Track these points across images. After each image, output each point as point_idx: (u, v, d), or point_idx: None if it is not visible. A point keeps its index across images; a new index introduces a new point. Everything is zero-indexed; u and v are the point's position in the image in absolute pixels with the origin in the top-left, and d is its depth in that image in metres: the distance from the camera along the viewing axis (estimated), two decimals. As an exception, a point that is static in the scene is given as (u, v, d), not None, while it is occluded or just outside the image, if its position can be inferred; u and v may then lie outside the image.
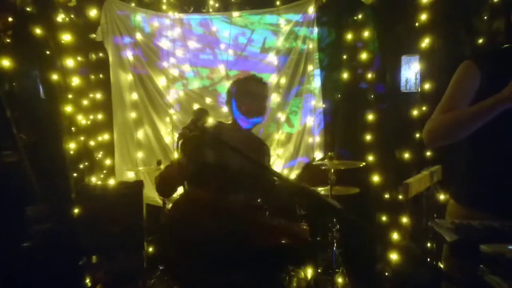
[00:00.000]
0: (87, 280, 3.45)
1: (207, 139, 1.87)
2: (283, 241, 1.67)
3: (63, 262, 3.08)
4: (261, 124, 2.52)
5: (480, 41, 3.18)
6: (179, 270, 1.76)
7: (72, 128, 3.71)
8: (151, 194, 4.06)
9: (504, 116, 1.53)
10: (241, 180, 1.86)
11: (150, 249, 3.76)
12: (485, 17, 3.16)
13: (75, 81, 3.72)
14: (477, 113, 1.57)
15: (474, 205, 1.75)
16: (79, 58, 3.80)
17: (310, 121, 4.30)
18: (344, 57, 3.98)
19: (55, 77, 3.43)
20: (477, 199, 1.74)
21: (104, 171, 4.07)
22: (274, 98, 4.29)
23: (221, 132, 2.00)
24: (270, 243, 1.62)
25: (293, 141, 4.34)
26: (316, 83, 4.28)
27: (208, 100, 4.23)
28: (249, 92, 1.98)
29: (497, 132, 1.64)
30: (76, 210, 3.28)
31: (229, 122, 2.12)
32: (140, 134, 4.20)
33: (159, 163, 3.42)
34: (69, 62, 3.63)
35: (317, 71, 4.25)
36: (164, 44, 4.15)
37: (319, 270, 3.38)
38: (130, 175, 4.11)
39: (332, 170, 3.08)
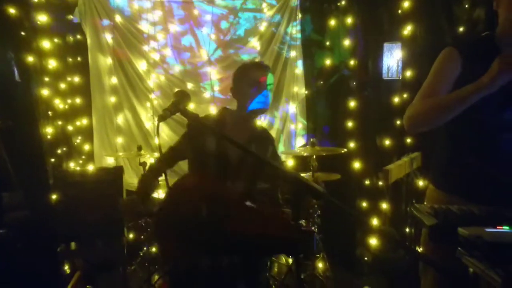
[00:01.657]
0: (66, 267, 3.41)
1: (209, 127, 1.86)
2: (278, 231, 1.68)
3: (41, 249, 3.03)
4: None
5: (461, 29, 3.21)
6: (169, 251, 1.76)
7: (49, 113, 3.60)
8: (131, 180, 4.01)
9: (481, 103, 1.54)
10: (240, 170, 1.86)
11: (131, 236, 3.74)
12: (466, 6, 3.19)
13: (52, 63, 3.61)
14: (456, 100, 1.58)
15: (452, 191, 1.79)
16: (55, 40, 3.68)
17: (292, 108, 4.30)
18: (327, 43, 3.97)
19: (30, 59, 3.32)
20: (455, 185, 1.78)
21: (83, 157, 3.99)
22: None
23: (225, 120, 1.97)
24: (264, 232, 1.61)
25: (275, 128, 4.34)
26: (298, 69, 4.27)
27: (189, 85, 4.18)
28: (254, 81, 1.90)
29: (475, 119, 1.66)
30: (54, 197, 3.21)
31: (234, 108, 2.04)
32: (120, 119, 4.12)
33: (139, 148, 3.37)
34: (45, 44, 3.51)
35: (300, 57, 4.24)
36: (145, 27, 4.06)
37: (300, 255, 3.41)
38: (110, 161, 4.04)
39: (314, 157, 3.09)
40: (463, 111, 1.59)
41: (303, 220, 2.97)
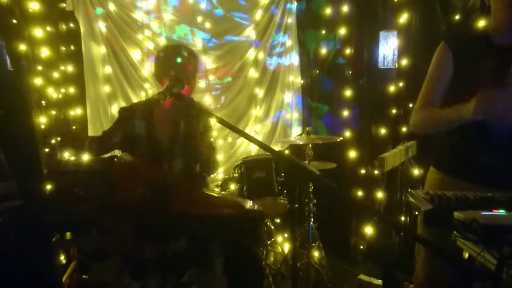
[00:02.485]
0: (62, 257, 3.40)
1: (136, 112, 1.90)
2: (220, 212, 1.69)
3: (35, 239, 3.01)
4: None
5: (457, 17, 3.20)
6: (114, 239, 1.78)
7: (43, 102, 3.57)
8: (126, 170, 4.00)
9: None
10: (173, 151, 1.87)
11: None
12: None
13: (44, 52, 3.56)
14: (445, 123, 1.79)
15: (449, 172, 1.90)
16: (48, 28, 3.63)
17: (288, 96, 4.28)
18: (323, 32, 3.95)
19: (22, 47, 3.27)
20: (451, 168, 1.89)
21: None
22: (252, 73, 4.24)
23: (151, 104, 1.97)
24: (203, 212, 1.62)
25: (270, 117, 4.33)
26: (294, 58, 4.25)
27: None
28: (168, 63, 1.96)
29: None
30: (48, 186, 3.19)
31: None
32: (114, 109, 4.09)
33: (134, 138, 3.35)
34: (38, 32, 3.46)
35: (296, 46, 4.22)
36: (139, 16, 4.01)
37: (296, 245, 3.42)
38: (104, 151, 4.01)
39: (310, 145, 3.09)
40: (457, 99, 1.71)
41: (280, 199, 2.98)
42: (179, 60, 1.89)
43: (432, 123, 1.85)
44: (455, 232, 1.22)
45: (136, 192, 1.60)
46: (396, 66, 3.58)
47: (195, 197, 1.68)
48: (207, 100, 4.16)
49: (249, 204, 1.88)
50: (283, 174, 2.71)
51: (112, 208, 1.69)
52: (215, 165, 2.22)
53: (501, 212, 1.19)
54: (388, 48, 3.64)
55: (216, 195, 1.89)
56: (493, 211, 1.20)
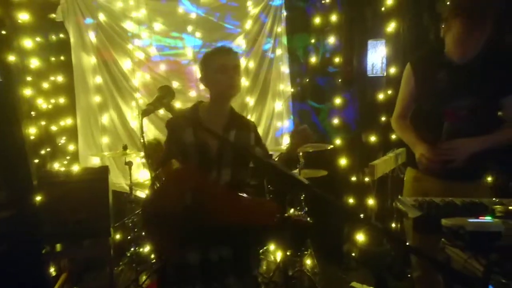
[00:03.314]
0: (52, 269, 3.36)
1: (184, 120, 1.86)
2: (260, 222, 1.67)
3: (25, 251, 2.98)
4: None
5: (443, 26, 3.24)
6: (160, 245, 1.76)
7: (32, 113, 3.55)
8: (117, 180, 3.98)
9: (429, 98, 2.07)
10: (222, 159, 1.83)
11: (118, 236, 3.71)
12: (447, 2, 3.23)
13: (34, 63, 3.55)
14: (409, 144, 2.18)
15: (415, 167, 2.14)
16: (38, 39, 3.62)
17: (279, 105, 4.31)
18: (312, 41, 3.99)
19: (12, 58, 3.26)
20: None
21: (68, 157, 3.94)
22: (243, 82, 4.26)
23: (200, 111, 1.95)
24: (246, 222, 1.60)
25: (262, 125, 4.34)
26: (284, 67, 4.28)
27: (175, 84, 4.15)
28: (220, 66, 1.87)
29: (425, 110, 2.14)
30: (38, 197, 3.16)
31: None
32: (105, 119, 4.08)
33: (125, 148, 3.34)
34: (27, 43, 3.45)
35: (286, 55, 4.26)
36: (129, 26, 4.02)
37: (287, 253, 3.43)
38: (95, 161, 4.00)
39: (301, 153, 3.11)
40: (420, 107, 2.17)
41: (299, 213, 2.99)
42: (219, 65, 1.85)
43: (403, 138, 2.26)
44: (443, 239, 1.24)
45: (180, 199, 1.57)
46: (385, 74, 3.62)
47: (237, 206, 1.64)
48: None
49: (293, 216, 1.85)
50: (272, 185, 2.70)
51: (157, 214, 1.65)
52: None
53: (488, 219, 1.21)
54: (377, 56, 3.68)
55: (258, 203, 1.82)
56: (480, 218, 1.22)
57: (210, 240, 1.66)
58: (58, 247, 3.10)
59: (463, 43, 1.88)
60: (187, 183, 1.61)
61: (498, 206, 1.38)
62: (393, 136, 3.45)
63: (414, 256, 2.25)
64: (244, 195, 1.71)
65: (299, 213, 2.97)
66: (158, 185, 1.65)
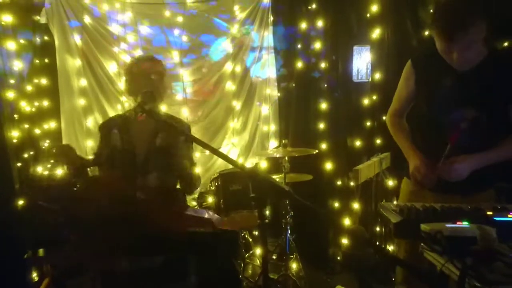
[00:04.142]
0: (34, 274, 3.31)
1: (112, 124, 1.92)
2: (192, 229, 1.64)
3: (7, 255, 2.92)
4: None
5: (426, 33, 3.30)
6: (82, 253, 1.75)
7: (15, 115, 3.50)
8: (102, 184, 3.94)
9: (432, 108, 1.96)
10: (148, 165, 1.84)
11: (101, 240, 3.66)
12: (431, 10, 3.29)
13: (17, 65, 3.50)
14: (403, 149, 2.10)
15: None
16: (21, 41, 3.58)
17: (265, 109, 4.32)
18: (299, 46, 4.01)
19: (-6, 61, 3.22)
20: None
21: (52, 161, 3.89)
22: (229, 86, 4.27)
23: (131, 116, 1.95)
24: (174, 229, 1.58)
25: (248, 130, 4.35)
26: (271, 71, 4.30)
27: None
28: (134, 74, 1.93)
29: (428, 119, 2.01)
30: (20, 201, 3.11)
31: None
32: (89, 122, 4.05)
33: (109, 151, 3.31)
34: (11, 45, 3.41)
35: (272, 60, 4.27)
36: (115, 28, 4.00)
37: (273, 257, 3.43)
38: (79, 165, 3.95)
39: (286, 158, 3.12)
40: (419, 113, 2.06)
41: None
42: (152, 77, 1.86)
43: (396, 138, 2.18)
44: (422, 244, 1.26)
45: (99, 206, 1.57)
46: (370, 80, 3.67)
47: (167, 213, 1.63)
48: (184, 113, 4.16)
49: (220, 222, 1.85)
50: (254, 192, 2.68)
51: (77, 221, 1.64)
52: (197, 182, 2.14)
53: (465, 224, 1.23)
54: (362, 62, 3.73)
55: (189, 212, 1.83)
56: (458, 222, 1.24)
57: (141, 248, 1.65)
58: (41, 252, 3.05)
59: (450, 55, 1.78)
60: (107, 190, 1.60)
61: (476, 212, 1.42)
62: (378, 141, 3.49)
63: (399, 271, 2.17)
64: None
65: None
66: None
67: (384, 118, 3.22)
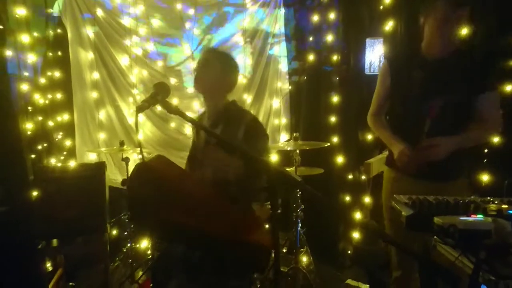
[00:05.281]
0: (48, 265, 3.36)
1: (188, 118, 1.84)
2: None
3: (21, 246, 2.98)
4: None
5: (423, 13, 3.24)
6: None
7: (29, 108, 3.54)
8: (114, 176, 3.98)
9: (407, 97, 2.09)
10: (204, 155, 1.82)
11: (114, 232, 3.71)
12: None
13: (31, 58, 3.54)
14: (385, 143, 2.24)
15: (392, 166, 2.18)
16: (35, 34, 3.61)
17: (276, 103, 4.31)
18: (310, 39, 3.98)
19: (9, 53, 3.25)
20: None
21: (64, 153, 3.94)
22: (240, 80, 4.26)
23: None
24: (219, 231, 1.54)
25: (259, 123, 4.34)
26: (282, 64, 4.28)
27: (172, 81, 4.15)
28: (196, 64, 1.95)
29: (404, 109, 2.14)
30: (34, 193, 3.16)
31: None
32: (102, 115, 4.08)
33: (121, 144, 3.34)
34: (24, 38, 3.44)
35: (283, 53, 4.25)
36: (127, 21, 4.01)
37: (283, 250, 3.43)
38: (92, 157, 4.00)
39: (297, 151, 3.11)
40: (395, 105, 2.20)
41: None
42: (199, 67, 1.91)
43: (378, 134, 2.35)
44: (435, 237, 1.25)
45: (142, 191, 1.53)
46: (382, 73, 3.62)
47: (215, 211, 1.57)
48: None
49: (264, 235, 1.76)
50: (266, 182, 2.67)
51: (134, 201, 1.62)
52: (255, 185, 1.91)
53: (479, 217, 1.21)
54: (374, 55, 3.69)
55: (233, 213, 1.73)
56: (471, 216, 1.22)
57: (190, 238, 1.63)
58: (54, 242, 3.10)
59: (442, 28, 1.92)
60: (151, 176, 1.55)
61: (491, 205, 1.39)
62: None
63: (394, 256, 2.28)
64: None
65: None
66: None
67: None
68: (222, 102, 1.98)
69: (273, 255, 1.41)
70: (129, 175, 1.78)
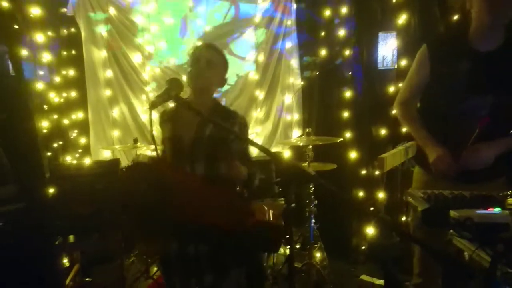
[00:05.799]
0: (65, 260, 3.42)
1: (165, 115, 1.91)
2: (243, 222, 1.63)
3: (38, 242, 3.03)
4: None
5: (455, 17, 3.20)
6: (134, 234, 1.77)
7: (44, 106, 3.60)
8: (128, 173, 4.01)
9: (445, 95, 1.87)
10: (195, 153, 1.82)
11: (128, 228, 3.75)
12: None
13: (46, 57, 3.59)
14: (418, 141, 2.03)
15: (426, 168, 1.97)
16: (49, 33, 3.66)
17: (289, 98, 4.30)
18: (322, 34, 3.96)
19: (24, 52, 3.30)
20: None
21: (79, 150, 3.99)
22: (252, 76, 4.26)
23: (179, 105, 1.94)
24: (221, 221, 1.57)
25: (271, 119, 4.34)
26: (294, 60, 4.26)
27: (185, 77, 4.14)
28: (194, 60, 1.90)
29: (441, 106, 1.92)
30: (50, 190, 3.21)
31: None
32: (115, 112, 4.12)
33: (135, 141, 3.37)
34: (39, 38, 3.49)
35: (295, 48, 4.24)
36: (139, 19, 4.04)
37: (297, 246, 3.43)
38: (106, 154, 4.05)
39: (310, 146, 3.10)
40: (434, 99, 1.95)
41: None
42: (191, 58, 1.87)
43: (408, 128, 2.12)
44: (451, 230, 1.23)
45: (136, 191, 1.57)
46: (396, 67, 3.59)
47: (214, 202, 1.61)
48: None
49: (270, 214, 1.80)
50: (279, 176, 2.66)
51: (126, 205, 1.66)
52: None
53: (496, 210, 1.20)
54: (387, 49, 3.65)
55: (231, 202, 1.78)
56: (489, 209, 1.21)
57: (186, 235, 1.66)
58: (71, 238, 3.15)
59: (486, 30, 1.72)
60: (144, 176, 1.58)
61: (508, 199, 1.37)
62: (404, 130, 3.42)
63: (416, 262, 2.14)
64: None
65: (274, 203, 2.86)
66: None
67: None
68: (211, 98, 1.99)
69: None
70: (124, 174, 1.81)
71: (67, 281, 3.12)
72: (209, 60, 1.91)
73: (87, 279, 3.29)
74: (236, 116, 1.96)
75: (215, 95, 2.04)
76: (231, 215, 1.56)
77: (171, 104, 1.93)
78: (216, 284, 1.80)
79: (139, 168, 1.65)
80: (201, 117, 1.65)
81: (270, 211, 1.79)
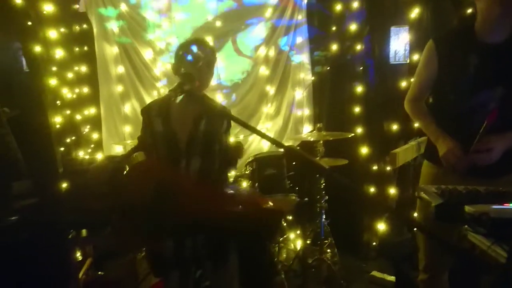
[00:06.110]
0: (78, 254, 3.46)
1: (153, 109, 1.92)
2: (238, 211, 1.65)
3: (51, 236, 3.07)
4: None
5: (469, 11, 3.15)
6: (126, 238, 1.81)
7: (57, 102, 3.64)
8: (139, 168, 4.05)
9: (456, 89, 1.86)
10: (191, 149, 1.84)
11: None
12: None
13: (59, 53, 3.63)
14: (426, 132, 2.02)
15: (436, 162, 1.94)
16: (62, 30, 3.70)
17: (299, 94, 4.28)
18: (333, 28, 3.93)
19: (37, 49, 3.34)
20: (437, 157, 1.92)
21: (92, 145, 4.04)
22: (263, 71, 4.25)
23: (169, 100, 1.95)
24: (217, 211, 1.59)
25: (282, 115, 4.33)
26: (305, 55, 4.24)
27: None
28: (192, 60, 1.90)
29: (451, 101, 1.91)
30: (64, 185, 3.25)
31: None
32: (127, 108, 4.15)
33: (146, 136, 3.39)
34: (52, 34, 3.53)
35: (306, 43, 4.21)
36: (150, 15, 4.06)
37: (307, 242, 3.43)
38: (118, 149, 4.08)
39: (321, 142, 3.09)
40: (443, 94, 1.93)
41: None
42: (189, 58, 1.86)
43: (419, 123, 2.11)
44: (466, 226, 1.22)
45: (143, 192, 1.60)
46: (408, 62, 3.55)
47: (210, 195, 1.65)
48: (218, 98, 4.19)
49: (266, 201, 1.85)
50: (292, 170, 2.67)
51: (122, 207, 1.70)
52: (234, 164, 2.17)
53: (512, 205, 1.18)
54: (400, 43, 3.61)
55: (232, 191, 1.84)
56: (504, 204, 1.19)
57: (183, 231, 1.68)
58: (83, 232, 3.18)
59: (495, 22, 1.71)
60: (150, 176, 1.61)
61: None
62: (416, 125, 3.39)
63: (422, 256, 2.15)
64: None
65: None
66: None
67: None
68: (201, 95, 2.00)
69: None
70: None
71: (80, 274, 3.16)
72: (209, 60, 1.94)
73: (99, 273, 3.33)
74: (224, 110, 2.01)
75: (224, 91, 2.06)
76: (223, 205, 1.59)
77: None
78: (215, 270, 1.84)
79: (139, 171, 1.68)
80: (212, 113, 1.66)
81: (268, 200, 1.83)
